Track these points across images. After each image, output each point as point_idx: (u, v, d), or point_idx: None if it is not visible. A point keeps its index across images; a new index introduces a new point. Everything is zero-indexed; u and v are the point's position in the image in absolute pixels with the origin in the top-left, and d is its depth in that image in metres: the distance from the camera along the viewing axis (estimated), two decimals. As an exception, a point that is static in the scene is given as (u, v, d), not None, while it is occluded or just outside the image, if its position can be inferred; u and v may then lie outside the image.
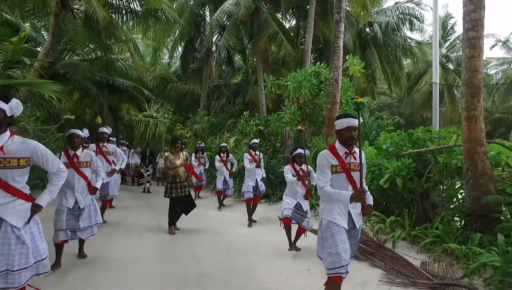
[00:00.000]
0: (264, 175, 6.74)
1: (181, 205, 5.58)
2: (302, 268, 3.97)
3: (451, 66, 22.48)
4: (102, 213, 5.82)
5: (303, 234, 4.63)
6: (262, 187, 6.63)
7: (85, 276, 3.59)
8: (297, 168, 4.61)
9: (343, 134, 2.64)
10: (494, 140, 5.81)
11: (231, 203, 8.57)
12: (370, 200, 2.71)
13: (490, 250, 3.62)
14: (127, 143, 13.57)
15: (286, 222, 4.53)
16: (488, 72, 25.25)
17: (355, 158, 2.65)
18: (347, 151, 2.65)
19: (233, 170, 8.04)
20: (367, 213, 2.71)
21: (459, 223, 4.83)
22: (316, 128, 9.80)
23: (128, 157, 12.10)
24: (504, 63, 24.39)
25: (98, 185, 4.08)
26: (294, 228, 4.63)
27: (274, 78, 10.06)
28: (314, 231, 4.96)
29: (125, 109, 18.64)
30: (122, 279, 3.57)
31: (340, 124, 2.66)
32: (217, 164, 7.98)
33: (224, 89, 17.67)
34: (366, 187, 2.78)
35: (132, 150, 12.50)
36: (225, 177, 7.91)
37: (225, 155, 8.08)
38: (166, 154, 5.63)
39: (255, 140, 6.93)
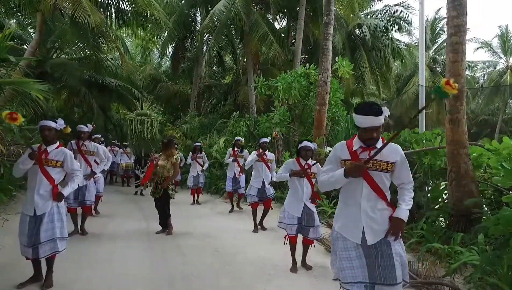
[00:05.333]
0: (274, 179, 6.03)
1: (158, 209, 5.50)
2: (290, 268, 4.01)
3: (438, 69, 22.93)
4: (83, 223, 5.34)
5: (311, 246, 4.05)
6: (270, 191, 6.11)
7: (72, 275, 3.56)
8: (303, 163, 3.99)
9: (361, 133, 2.18)
10: (476, 142, 5.98)
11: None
12: (402, 213, 2.15)
13: (470, 249, 3.74)
14: (125, 143, 13.27)
15: (293, 240, 3.97)
16: (474, 75, 25.86)
17: (369, 155, 2.16)
18: (363, 146, 2.19)
19: (246, 167, 7.16)
20: (395, 231, 2.10)
21: (443, 223, 4.96)
22: (305, 129, 9.89)
23: (117, 157, 11.93)
24: (489, 66, 25.02)
25: (66, 192, 3.31)
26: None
27: (264, 79, 10.11)
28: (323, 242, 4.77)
29: (115, 109, 18.46)
30: (110, 279, 3.55)
31: (358, 121, 2.15)
32: (228, 159, 7.35)
33: (214, 89, 17.67)
34: (405, 197, 2.21)
35: (120, 150, 12.26)
36: (234, 174, 7.23)
37: (239, 150, 7.33)
38: (157, 155, 5.55)
39: (265, 139, 6.39)
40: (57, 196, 3.24)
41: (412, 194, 2.26)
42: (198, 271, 3.86)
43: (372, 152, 2.15)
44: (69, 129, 5.16)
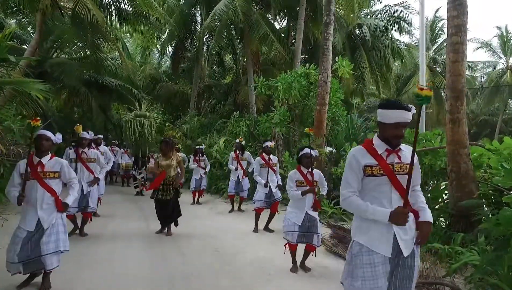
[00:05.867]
0: (280, 182, 6.07)
1: (165, 210, 5.34)
2: (290, 268, 4.00)
3: (438, 69, 22.92)
4: (82, 227, 5.19)
5: (312, 253, 3.95)
6: (278, 194, 5.93)
7: (72, 275, 3.56)
8: (304, 171, 3.90)
9: (388, 130, 1.99)
10: (476, 142, 5.98)
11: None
12: (429, 215, 2.06)
13: (471, 249, 3.73)
14: (123, 143, 13.26)
15: (292, 248, 3.91)
16: (474, 75, 25.87)
17: (400, 158, 2.02)
18: (389, 148, 2.02)
19: (249, 170, 7.24)
20: (423, 240, 2.02)
21: (443, 223, 4.95)
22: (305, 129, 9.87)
23: (119, 157, 11.91)
24: (489, 66, 25.03)
25: (69, 201, 3.27)
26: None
27: (264, 79, 10.10)
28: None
29: (115, 109, 18.46)
30: (110, 279, 3.55)
31: (386, 116, 1.98)
32: (230, 165, 7.31)
33: (214, 89, 17.67)
34: (423, 199, 2.13)
35: (121, 150, 12.24)
36: (238, 177, 7.21)
37: (240, 153, 7.33)
38: (155, 155, 5.51)
39: (269, 143, 6.27)
40: (62, 207, 3.16)
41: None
42: (198, 271, 3.86)
43: (399, 153, 2.02)
44: (80, 128, 5.16)
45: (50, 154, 3.25)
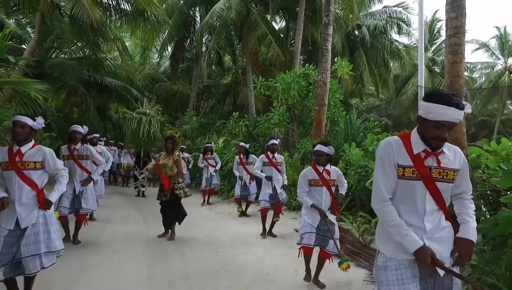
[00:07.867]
0: (286, 182, 5.88)
1: (168, 210, 5.17)
2: (290, 269, 4.02)
3: (437, 69, 22.99)
4: (76, 233, 4.75)
5: (328, 260, 3.56)
6: (283, 195, 5.75)
7: (71, 275, 3.56)
8: (320, 169, 3.54)
9: (428, 129, 1.65)
10: (474, 143, 6.01)
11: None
12: (471, 232, 1.72)
13: (469, 249, 3.73)
14: (121, 143, 13.23)
15: (307, 252, 3.52)
16: (472, 76, 25.97)
17: (439, 163, 1.69)
18: (428, 150, 1.69)
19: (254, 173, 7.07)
20: (460, 261, 1.68)
21: (442, 223, 4.95)
22: (304, 129, 9.90)
23: (120, 157, 11.91)
24: (487, 67, 25.13)
25: (53, 197, 2.88)
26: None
27: (263, 80, 10.12)
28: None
29: (114, 109, 18.47)
30: (109, 278, 3.56)
31: (430, 111, 1.63)
32: (235, 171, 7.04)
33: (213, 89, 17.70)
34: (470, 211, 1.80)
35: (124, 149, 12.21)
36: (245, 181, 6.98)
37: (245, 157, 7.05)
38: (157, 155, 5.40)
39: (274, 141, 5.92)
40: (44, 204, 2.82)
41: (474, 206, 1.82)
42: (198, 272, 3.87)
43: (440, 157, 1.69)
44: None
45: (33, 142, 2.90)
